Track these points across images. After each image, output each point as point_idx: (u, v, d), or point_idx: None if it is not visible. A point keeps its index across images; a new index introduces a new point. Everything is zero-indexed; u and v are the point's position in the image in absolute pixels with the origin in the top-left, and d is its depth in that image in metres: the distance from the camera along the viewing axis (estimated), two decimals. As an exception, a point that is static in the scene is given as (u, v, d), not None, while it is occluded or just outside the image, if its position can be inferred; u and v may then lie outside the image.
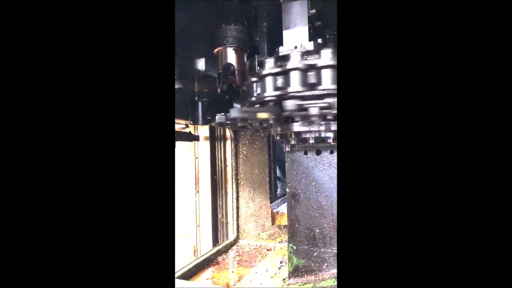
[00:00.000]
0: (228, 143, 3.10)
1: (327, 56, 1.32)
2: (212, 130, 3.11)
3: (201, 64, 2.12)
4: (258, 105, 1.53)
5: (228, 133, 3.07)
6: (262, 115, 1.44)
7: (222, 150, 3.14)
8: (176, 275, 2.13)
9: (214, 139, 3.14)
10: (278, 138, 1.71)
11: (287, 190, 1.87)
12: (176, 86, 2.25)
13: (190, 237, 3.18)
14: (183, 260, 2.82)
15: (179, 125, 2.74)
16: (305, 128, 1.49)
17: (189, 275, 2.29)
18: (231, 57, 1.80)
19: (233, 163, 3.04)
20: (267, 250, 2.73)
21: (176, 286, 1.50)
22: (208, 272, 2.38)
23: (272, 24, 1.67)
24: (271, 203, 2.92)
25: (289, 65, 1.35)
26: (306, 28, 1.38)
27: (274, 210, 2.90)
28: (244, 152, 3.02)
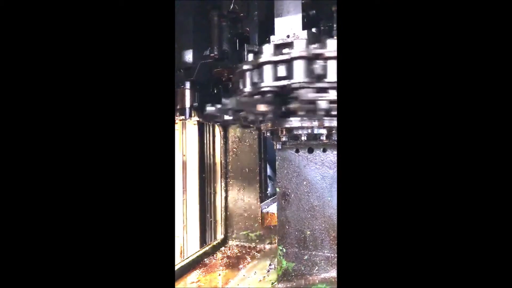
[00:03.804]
0: (218, 140, 2.99)
1: (333, 46, 1.20)
2: (200, 127, 2.99)
3: (188, 56, 2.01)
4: (255, 96, 1.38)
5: (218, 129, 2.96)
6: (262, 108, 1.31)
7: (211, 147, 3.03)
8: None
9: (203, 135, 3.03)
10: (268, 134, 1.61)
11: (277, 189, 1.78)
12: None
13: (177, 238, 3.06)
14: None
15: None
16: (297, 124, 1.39)
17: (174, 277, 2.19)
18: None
19: (223, 161, 2.93)
20: (256, 251, 2.64)
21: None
22: (194, 275, 2.27)
23: (264, 14, 1.56)
24: (261, 202, 2.82)
25: (294, 53, 1.21)
26: (300, 16, 1.29)
27: (264, 210, 2.81)
28: (234, 149, 2.92)
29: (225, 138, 2.92)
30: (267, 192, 2.99)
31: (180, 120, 2.34)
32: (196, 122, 2.71)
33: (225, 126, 2.88)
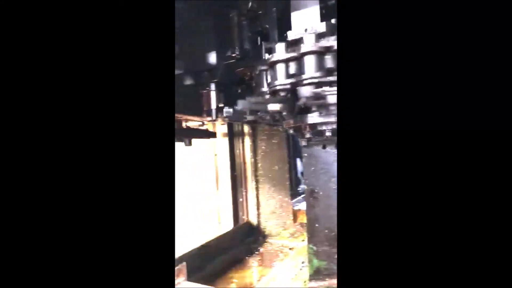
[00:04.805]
0: (247, 138, 3.02)
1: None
2: (230, 126, 3.03)
3: (211, 57, 2.05)
4: (269, 96, 1.41)
5: (246, 128, 2.98)
6: (274, 107, 1.32)
7: (241, 146, 3.07)
8: (194, 278, 2.08)
9: (233, 135, 3.07)
10: (291, 131, 1.58)
11: (305, 187, 1.74)
12: (187, 82, 2.20)
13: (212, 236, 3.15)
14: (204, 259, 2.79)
15: (196, 122, 2.69)
16: (321, 120, 1.35)
17: (208, 277, 2.25)
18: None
19: (252, 160, 2.95)
20: (289, 249, 2.62)
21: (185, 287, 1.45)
22: (227, 272, 2.32)
23: (282, 9, 1.54)
24: (292, 200, 2.80)
25: (303, 49, 1.20)
26: (318, 7, 1.24)
27: (295, 208, 2.79)
28: (263, 147, 2.92)
29: (254, 136, 2.93)
30: (299, 189, 2.96)
31: (208, 121, 2.40)
32: (223, 122, 2.75)
33: (253, 125, 2.89)
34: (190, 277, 1.57)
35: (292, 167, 2.91)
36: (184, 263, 1.53)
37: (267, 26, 1.64)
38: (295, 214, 2.77)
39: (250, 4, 1.67)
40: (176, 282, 1.46)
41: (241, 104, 1.22)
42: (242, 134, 3.06)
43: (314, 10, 1.26)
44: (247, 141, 3.02)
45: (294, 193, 2.88)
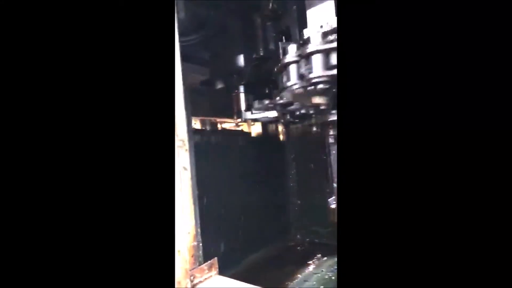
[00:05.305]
0: (281, 137, 3.03)
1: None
2: (264, 126, 3.07)
3: (239, 60, 2.11)
4: (308, 88, 1.33)
5: (280, 127, 2.99)
6: (318, 100, 1.30)
7: (276, 144, 3.08)
8: (229, 274, 2.16)
9: (267, 134, 3.10)
10: (314, 129, 1.57)
11: (334, 185, 1.71)
12: (218, 86, 2.29)
13: (251, 233, 3.22)
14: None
15: (230, 124, 2.78)
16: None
17: (242, 273, 2.31)
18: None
19: (287, 158, 2.95)
20: (326, 248, 2.58)
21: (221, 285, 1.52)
22: (263, 270, 2.36)
23: (301, 8, 1.53)
24: (329, 198, 2.74)
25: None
26: (332, 2, 1.21)
27: (332, 206, 2.71)
28: (297, 146, 2.90)
29: (287, 134, 2.93)
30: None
31: (239, 122, 2.47)
32: (253, 123, 2.80)
33: (286, 123, 2.89)
34: (223, 273, 1.64)
35: (329, 165, 2.83)
36: (216, 258, 1.61)
37: (288, 25, 1.65)
38: (332, 212, 2.70)
39: (270, 5, 1.69)
40: (208, 275, 1.54)
41: (285, 96, 1.21)
42: (276, 132, 3.08)
43: (328, 6, 1.23)
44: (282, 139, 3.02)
45: (331, 191, 2.80)
